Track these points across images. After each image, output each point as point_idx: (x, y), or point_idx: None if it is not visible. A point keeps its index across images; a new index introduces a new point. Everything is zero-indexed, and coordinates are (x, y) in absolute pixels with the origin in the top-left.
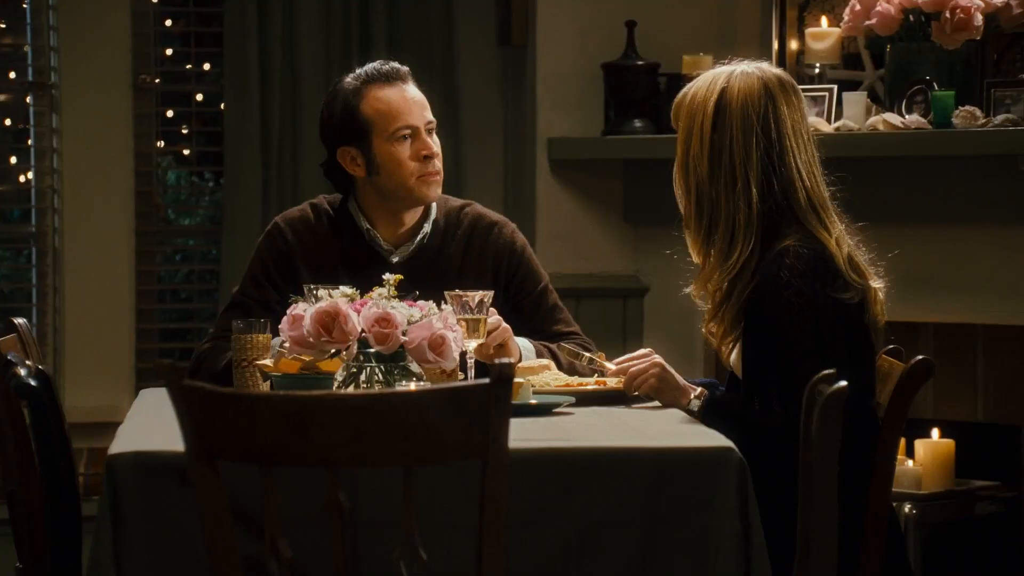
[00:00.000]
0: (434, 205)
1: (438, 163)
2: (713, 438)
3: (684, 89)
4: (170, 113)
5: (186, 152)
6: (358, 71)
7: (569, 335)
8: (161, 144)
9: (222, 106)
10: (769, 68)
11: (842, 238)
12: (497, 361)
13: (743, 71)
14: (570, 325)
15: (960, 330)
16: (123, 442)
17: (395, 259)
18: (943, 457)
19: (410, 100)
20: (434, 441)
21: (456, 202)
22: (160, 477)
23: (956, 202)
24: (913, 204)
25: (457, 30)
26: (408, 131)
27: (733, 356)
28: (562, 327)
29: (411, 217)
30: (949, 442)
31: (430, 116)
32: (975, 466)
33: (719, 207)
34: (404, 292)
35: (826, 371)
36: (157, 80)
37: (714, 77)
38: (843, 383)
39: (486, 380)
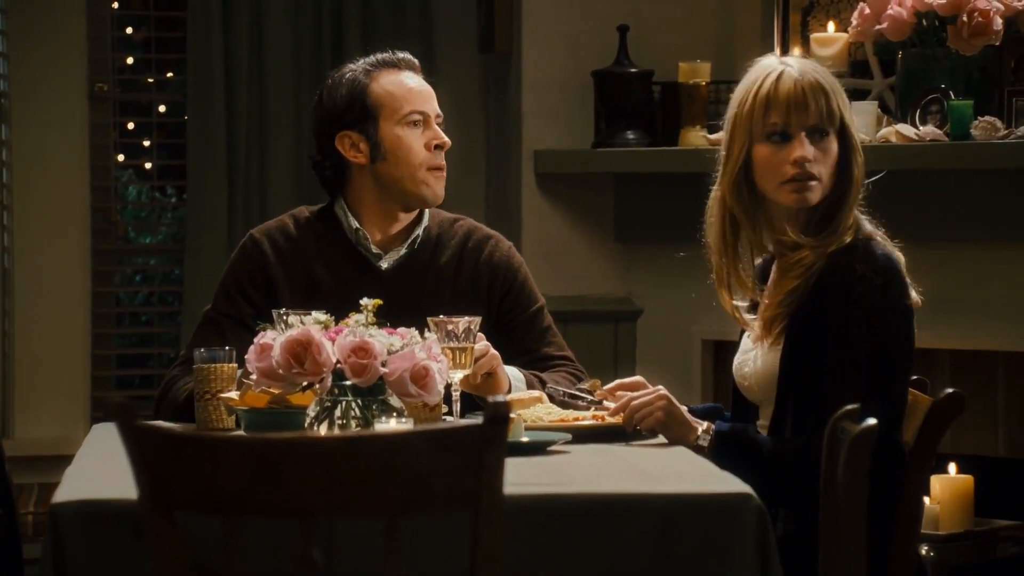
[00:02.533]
0: (427, 212)
1: (443, 158)
2: (729, 483)
3: (784, 73)
4: (131, 125)
5: (147, 166)
6: (366, 58)
7: (560, 360)
8: (121, 158)
9: (185, 117)
10: None
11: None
12: (491, 399)
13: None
14: (562, 350)
15: (979, 357)
16: (69, 488)
17: (384, 265)
18: (962, 495)
19: (422, 88)
20: (420, 488)
21: (448, 215)
22: (110, 529)
23: (975, 219)
24: (929, 221)
25: (436, 35)
26: (420, 117)
27: (759, 363)
28: (553, 350)
29: (405, 218)
30: (968, 478)
31: (439, 109)
32: (996, 504)
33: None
34: (393, 303)
35: (850, 407)
36: (117, 89)
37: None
38: (872, 421)
39: (478, 420)
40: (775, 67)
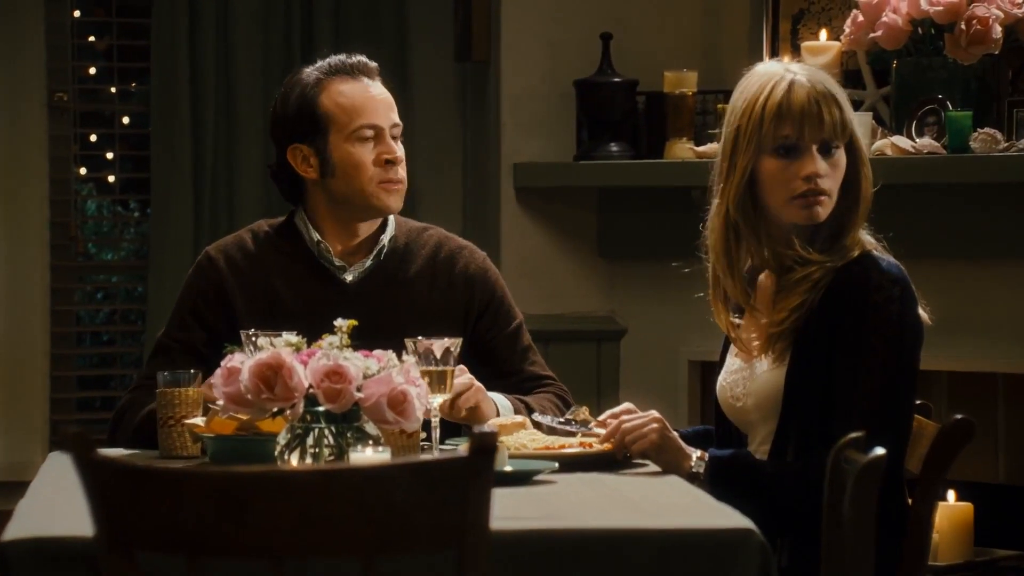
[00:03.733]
0: (393, 221)
1: (402, 171)
2: (729, 517)
3: (795, 82)
4: (93, 137)
5: (110, 179)
6: (321, 62)
7: (546, 380)
8: (83, 171)
9: (149, 129)
10: None
11: None
12: (476, 428)
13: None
14: (544, 369)
15: (978, 380)
16: (20, 524)
17: (349, 277)
18: (961, 523)
19: (376, 98)
20: (400, 526)
21: (416, 223)
22: (64, 570)
23: (974, 235)
24: (926, 237)
25: (411, 44)
26: (371, 131)
27: (759, 381)
28: (538, 370)
29: (366, 228)
30: (967, 506)
31: (397, 119)
32: (997, 533)
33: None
34: (360, 317)
35: (855, 435)
36: (77, 98)
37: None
38: (880, 451)
39: (463, 452)
40: (782, 74)
